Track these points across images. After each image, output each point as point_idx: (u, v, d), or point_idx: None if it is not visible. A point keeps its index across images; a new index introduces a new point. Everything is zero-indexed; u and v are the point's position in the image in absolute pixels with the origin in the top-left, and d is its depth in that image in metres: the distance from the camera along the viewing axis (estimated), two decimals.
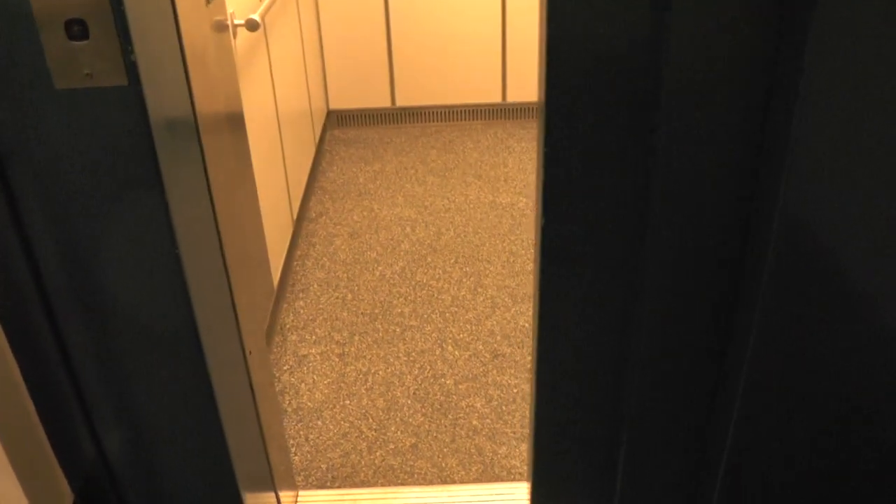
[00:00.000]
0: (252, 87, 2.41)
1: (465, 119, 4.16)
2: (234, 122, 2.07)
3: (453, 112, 4.14)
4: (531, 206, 3.33)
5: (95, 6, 0.92)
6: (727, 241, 1.08)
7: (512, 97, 4.11)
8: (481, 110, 4.14)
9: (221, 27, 1.93)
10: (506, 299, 2.75)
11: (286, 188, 2.91)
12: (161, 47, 1.02)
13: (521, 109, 4.14)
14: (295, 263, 2.99)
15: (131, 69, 0.97)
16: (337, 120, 4.15)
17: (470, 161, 3.75)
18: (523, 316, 2.65)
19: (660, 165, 1.01)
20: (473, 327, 2.61)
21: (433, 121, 4.16)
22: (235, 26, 2.17)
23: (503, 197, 3.41)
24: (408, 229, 3.20)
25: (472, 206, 3.36)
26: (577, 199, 1.08)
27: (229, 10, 2.11)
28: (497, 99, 4.11)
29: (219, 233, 1.31)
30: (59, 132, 1.03)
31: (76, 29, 0.93)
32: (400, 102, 4.11)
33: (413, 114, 4.14)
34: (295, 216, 3.10)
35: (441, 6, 3.87)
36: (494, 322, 2.63)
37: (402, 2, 3.85)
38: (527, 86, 4.08)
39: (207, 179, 1.19)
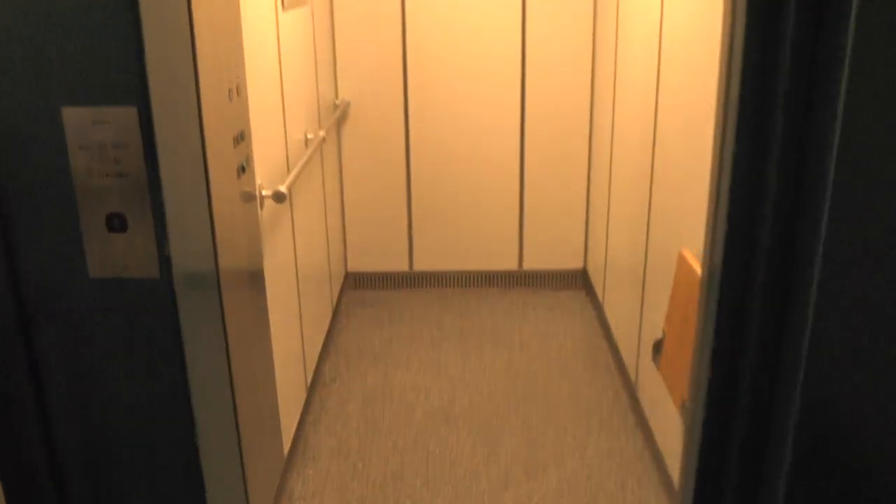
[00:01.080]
0: (274, 249, 2.47)
1: (482, 285, 4.22)
2: (255, 285, 2.11)
3: (470, 278, 4.20)
4: (545, 373, 3.31)
5: (136, 201, 0.96)
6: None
7: (528, 265, 4.17)
8: (498, 277, 4.20)
9: (249, 198, 2.00)
10: (519, 473, 2.69)
11: (301, 350, 2.92)
12: (194, 231, 1.05)
13: (536, 277, 4.20)
14: (307, 429, 2.96)
15: (164, 264, 1.00)
16: (355, 282, 4.21)
17: (485, 327, 3.77)
18: (537, 493, 2.59)
19: None
20: (486, 501, 2.55)
21: (450, 286, 4.21)
22: (263, 197, 2.24)
23: (519, 365, 3.40)
24: (421, 396, 3.17)
25: (486, 372, 3.34)
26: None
27: (258, 181, 2.20)
28: (513, 266, 4.18)
29: (234, 400, 1.31)
30: (87, 314, 1.05)
31: (116, 222, 0.97)
32: (417, 267, 4.18)
33: (430, 278, 4.20)
34: (309, 380, 3.09)
35: (461, 175, 4.00)
36: (508, 497, 2.57)
37: (424, 171, 3.99)
38: (542, 254, 4.15)
39: (228, 353, 1.20)
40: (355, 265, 4.18)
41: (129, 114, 0.99)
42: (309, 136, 2.99)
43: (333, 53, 3.78)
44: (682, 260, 2.20)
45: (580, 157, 3.98)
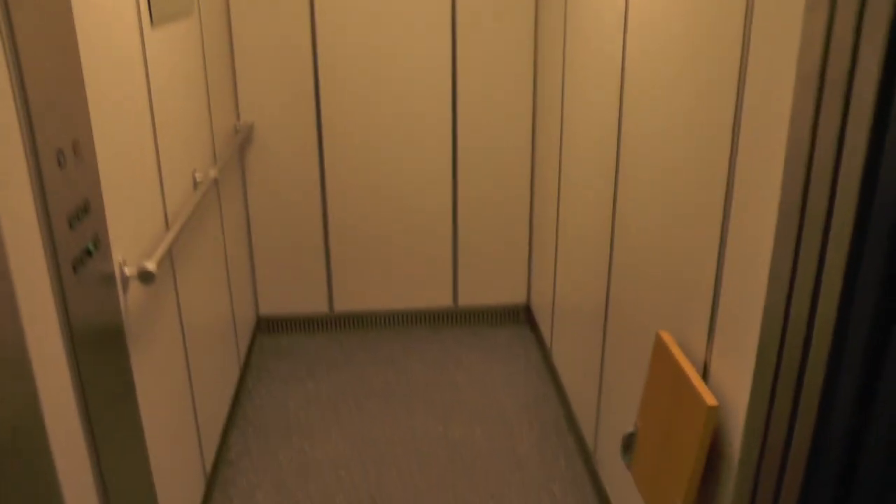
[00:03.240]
0: (153, 319, 1.96)
1: (411, 325, 3.75)
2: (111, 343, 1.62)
3: (397, 318, 3.73)
4: (487, 439, 2.87)
5: None
6: None
7: (464, 301, 3.72)
8: (429, 315, 3.74)
9: (104, 282, 1.52)
10: None
11: (195, 428, 2.42)
12: None
13: (473, 315, 3.75)
14: None
15: None
16: (268, 327, 3.71)
17: (417, 379, 3.31)
18: None
19: None
20: None
21: (375, 327, 3.74)
22: (127, 278, 1.74)
23: (455, 429, 2.95)
24: (342, 473, 2.70)
25: (418, 439, 2.89)
26: None
27: (118, 258, 1.69)
28: (447, 303, 3.73)
29: None
30: None
31: None
32: (338, 308, 3.69)
33: (353, 320, 3.72)
34: (212, 461, 2.59)
35: (385, 203, 3.53)
36: None
37: (342, 199, 3.51)
38: (480, 288, 3.71)
39: None
40: (267, 308, 3.68)
41: None
42: (198, 177, 2.47)
43: (233, 70, 3.26)
44: (660, 345, 1.78)
45: (522, 175, 3.54)
